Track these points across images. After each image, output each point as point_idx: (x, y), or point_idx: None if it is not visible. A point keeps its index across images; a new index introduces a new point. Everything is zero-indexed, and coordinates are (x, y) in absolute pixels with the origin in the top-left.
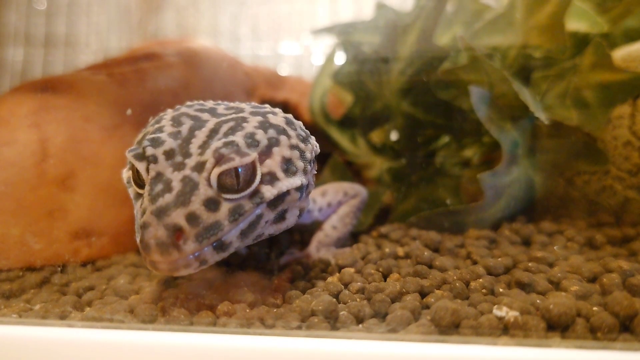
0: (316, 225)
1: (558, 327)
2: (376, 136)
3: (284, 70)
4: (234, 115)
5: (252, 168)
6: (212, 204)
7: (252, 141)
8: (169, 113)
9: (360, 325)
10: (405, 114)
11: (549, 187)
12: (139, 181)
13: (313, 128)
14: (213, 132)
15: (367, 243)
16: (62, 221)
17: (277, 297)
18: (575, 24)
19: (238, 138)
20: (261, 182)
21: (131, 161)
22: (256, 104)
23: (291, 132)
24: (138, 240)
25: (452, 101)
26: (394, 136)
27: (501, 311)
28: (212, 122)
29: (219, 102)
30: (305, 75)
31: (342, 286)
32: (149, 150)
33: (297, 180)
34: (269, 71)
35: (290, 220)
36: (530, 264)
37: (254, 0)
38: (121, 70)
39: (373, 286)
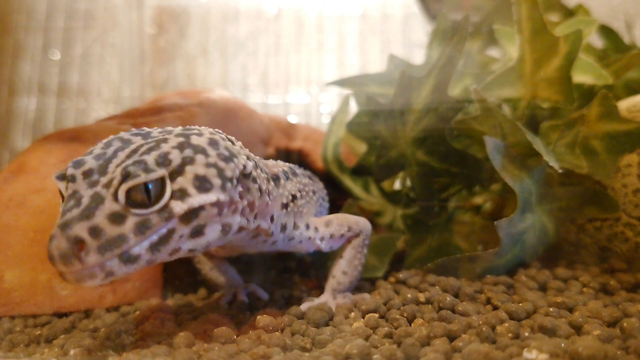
0: (318, 255)
1: None
2: (387, 184)
3: (293, 120)
4: (159, 137)
5: (161, 184)
6: (117, 218)
7: (163, 160)
8: (108, 138)
9: None
10: (420, 162)
11: (561, 233)
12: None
13: (327, 176)
14: (133, 153)
15: (386, 289)
16: None
17: (306, 341)
18: (581, 77)
19: (149, 157)
20: (172, 198)
21: (55, 182)
22: (189, 127)
23: (211, 152)
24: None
25: (466, 150)
26: (407, 184)
27: (531, 354)
28: (136, 144)
29: (162, 128)
30: (313, 125)
31: (371, 330)
32: (69, 171)
33: (212, 197)
34: (283, 120)
35: (211, 235)
36: (551, 309)
37: (263, 51)
38: (145, 120)
39: (402, 331)
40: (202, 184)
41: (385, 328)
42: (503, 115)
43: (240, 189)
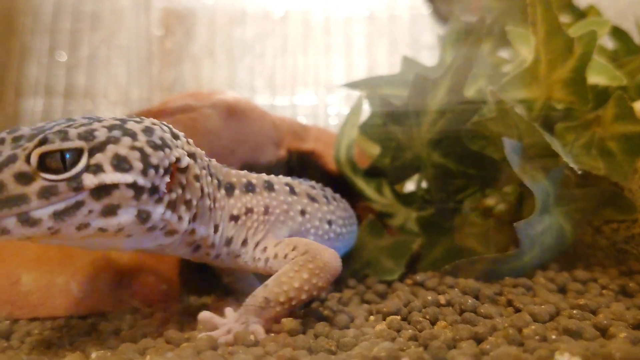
0: None
1: None
2: (398, 186)
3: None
4: (100, 118)
5: (77, 155)
6: (23, 178)
7: (87, 135)
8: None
9: None
10: (436, 164)
11: (578, 235)
12: None
13: (339, 177)
14: (67, 127)
15: (403, 291)
16: (104, 270)
17: (331, 344)
18: (595, 78)
19: (74, 130)
20: (86, 171)
21: None
22: (136, 117)
23: (141, 137)
24: None
25: (482, 152)
26: (422, 186)
27: (563, 357)
28: (76, 122)
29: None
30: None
31: (395, 333)
32: (1, 134)
33: (129, 178)
34: (294, 122)
35: (123, 217)
36: (574, 312)
37: (270, 53)
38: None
39: (427, 333)
40: (121, 163)
41: (409, 330)
42: (520, 117)
43: (167, 180)
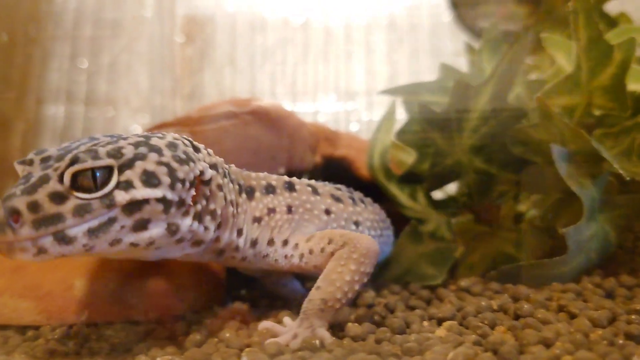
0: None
1: None
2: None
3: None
4: (124, 136)
5: (108, 173)
6: (58, 198)
7: (116, 153)
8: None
9: None
10: (479, 170)
11: (621, 241)
12: None
13: (371, 183)
14: (93, 145)
15: (450, 297)
16: (154, 277)
17: (396, 349)
18: (633, 85)
19: (103, 148)
20: (117, 188)
21: (15, 166)
22: (157, 132)
23: (166, 152)
24: None
25: (525, 158)
26: (461, 191)
27: None
28: (100, 141)
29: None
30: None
31: (460, 337)
32: (30, 156)
33: (158, 192)
34: (326, 128)
35: (154, 231)
36: (632, 317)
37: (291, 60)
38: (202, 128)
39: (492, 338)
40: (150, 179)
41: (473, 336)
42: (566, 123)
43: (193, 192)
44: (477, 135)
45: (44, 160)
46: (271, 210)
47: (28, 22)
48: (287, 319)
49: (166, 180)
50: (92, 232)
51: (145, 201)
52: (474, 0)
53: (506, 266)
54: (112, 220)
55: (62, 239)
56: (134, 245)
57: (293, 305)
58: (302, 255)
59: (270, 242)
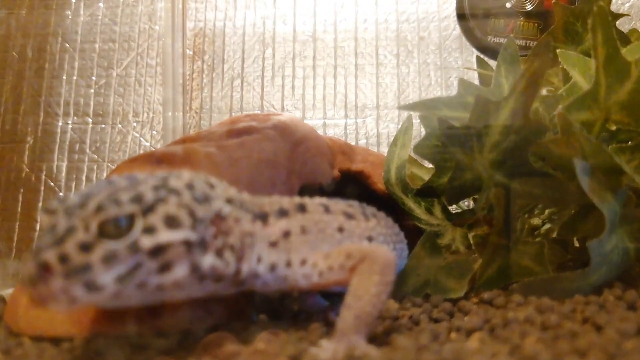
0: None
1: None
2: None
3: None
4: (141, 180)
5: (131, 220)
6: (86, 248)
7: (137, 198)
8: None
9: None
10: (500, 184)
11: (638, 254)
12: None
13: (387, 197)
14: (113, 191)
15: (471, 309)
16: None
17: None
18: None
19: (125, 194)
20: (141, 233)
21: (39, 215)
22: (171, 172)
23: (186, 194)
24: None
25: (547, 172)
26: (479, 205)
27: None
28: (118, 185)
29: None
30: None
31: (493, 347)
32: (53, 205)
33: (181, 235)
34: (342, 142)
35: (179, 272)
36: None
37: (300, 74)
38: (227, 143)
39: (527, 349)
40: (172, 222)
41: (506, 347)
42: (587, 138)
43: (212, 230)
44: (498, 150)
45: (68, 209)
46: (286, 233)
47: (38, 36)
48: (323, 340)
49: (187, 221)
50: (120, 279)
51: (169, 244)
52: (482, 14)
53: (529, 279)
54: (138, 265)
55: (93, 287)
56: (159, 287)
57: (317, 318)
58: (321, 273)
59: (288, 264)
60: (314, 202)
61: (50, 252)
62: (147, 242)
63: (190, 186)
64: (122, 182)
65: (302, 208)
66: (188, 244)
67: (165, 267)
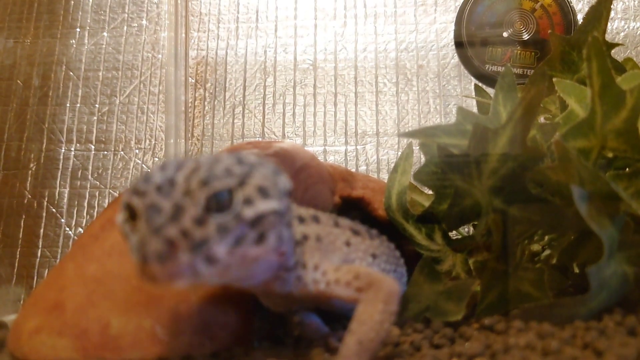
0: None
1: None
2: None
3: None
4: (213, 158)
5: (230, 193)
6: (200, 222)
7: (229, 172)
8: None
9: None
10: (498, 210)
11: (638, 279)
12: (134, 217)
13: (388, 223)
14: (195, 169)
15: (472, 334)
16: (186, 315)
17: None
18: None
19: (218, 169)
20: (242, 204)
21: (126, 199)
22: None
23: (264, 167)
24: (137, 259)
25: (543, 198)
26: (478, 231)
27: None
28: (193, 164)
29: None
30: None
31: None
32: (141, 187)
33: (273, 204)
34: (343, 168)
35: (271, 242)
36: None
37: (301, 101)
38: None
39: None
40: (264, 192)
41: None
42: (584, 165)
43: (288, 202)
44: (496, 176)
45: (159, 189)
46: (305, 237)
47: (43, 64)
48: None
49: (275, 192)
50: (231, 250)
51: (265, 213)
52: (480, 43)
53: (529, 304)
54: (243, 236)
55: (212, 260)
56: (254, 260)
57: (318, 344)
58: (328, 283)
59: (304, 265)
60: (325, 215)
61: (172, 228)
62: (249, 212)
63: (261, 162)
64: (203, 160)
65: (316, 219)
66: (278, 214)
67: (261, 237)
